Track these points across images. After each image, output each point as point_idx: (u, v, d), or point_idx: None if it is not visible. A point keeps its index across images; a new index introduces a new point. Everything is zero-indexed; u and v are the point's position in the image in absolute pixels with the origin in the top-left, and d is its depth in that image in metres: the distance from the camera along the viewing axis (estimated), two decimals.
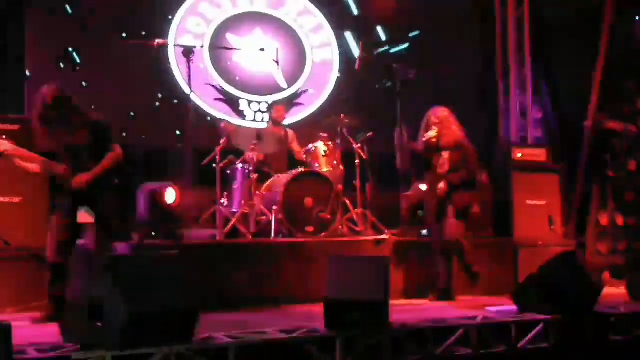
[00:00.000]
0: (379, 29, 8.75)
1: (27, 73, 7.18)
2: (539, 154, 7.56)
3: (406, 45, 8.48)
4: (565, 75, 8.66)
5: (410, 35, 8.74)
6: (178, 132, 7.63)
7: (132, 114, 7.60)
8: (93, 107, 7.05)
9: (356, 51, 8.48)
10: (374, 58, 7.84)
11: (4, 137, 4.96)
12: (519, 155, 7.45)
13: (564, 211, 7.56)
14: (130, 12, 7.68)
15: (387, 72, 7.76)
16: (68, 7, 7.45)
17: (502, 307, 5.19)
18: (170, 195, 6.01)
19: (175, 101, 7.67)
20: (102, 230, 4.79)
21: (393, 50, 8.60)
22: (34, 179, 5.37)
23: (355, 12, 8.82)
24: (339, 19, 8.75)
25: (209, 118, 7.99)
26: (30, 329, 4.46)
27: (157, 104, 7.76)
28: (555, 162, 7.78)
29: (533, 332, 4.73)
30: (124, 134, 7.12)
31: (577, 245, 7.24)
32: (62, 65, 7.36)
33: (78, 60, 7.41)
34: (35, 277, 5.43)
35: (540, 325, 4.77)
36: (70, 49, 7.38)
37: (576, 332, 4.83)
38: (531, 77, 8.92)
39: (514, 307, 5.10)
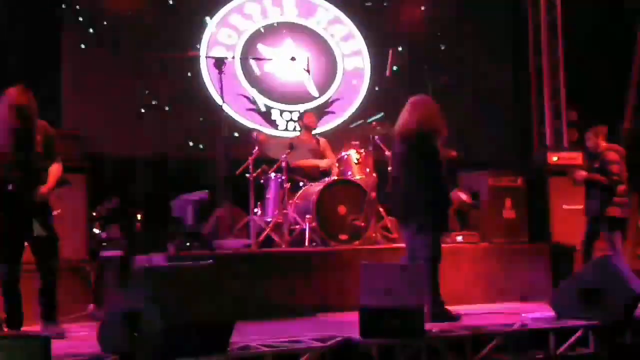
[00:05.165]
0: None
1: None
2: (575, 158, 7.44)
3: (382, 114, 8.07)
4: (601, 77, 8.54)
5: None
6: (210, 143, 7.71)
7: (163, 124, 7.69)
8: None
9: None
10: (404, 64, 7.80)
11: None
12: (555, 159, 7.35)
13: None
14: (163, 25, 7.79)
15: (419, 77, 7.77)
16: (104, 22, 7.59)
17: (539, 314, 5.11)
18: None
19: (207, 112, 7.73)
20: (49, 243, 4.68)
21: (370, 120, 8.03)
22: (71, 191, 5.45)
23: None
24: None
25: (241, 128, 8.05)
26: (69, 340, 4.52)
27: (188, 114, 7.84)
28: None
29: (572, 339, 4.66)
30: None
31: None
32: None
33: None
34: (75, 289, 5.53)
35: (580, 332, 4.69)
36: None
37: (616, 338, 4.74)
38: (565, 79, 8.80)
39: (551, 314, 5.03)
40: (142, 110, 7.51)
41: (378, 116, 7.86)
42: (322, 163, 7.08)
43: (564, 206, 7.09)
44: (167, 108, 7.67)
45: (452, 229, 6.72)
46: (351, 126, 8.33)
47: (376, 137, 7.02)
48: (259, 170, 6.78)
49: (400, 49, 7.78)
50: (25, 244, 4.70)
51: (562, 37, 8.80)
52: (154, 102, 7.59)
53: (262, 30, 8.35)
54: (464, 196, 6.85)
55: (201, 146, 7.82)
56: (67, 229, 5.57)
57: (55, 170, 4.74)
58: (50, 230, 4.71)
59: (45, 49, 7.17)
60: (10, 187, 4.53)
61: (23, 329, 4.64)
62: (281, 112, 8.34)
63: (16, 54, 6.88)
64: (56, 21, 7.38)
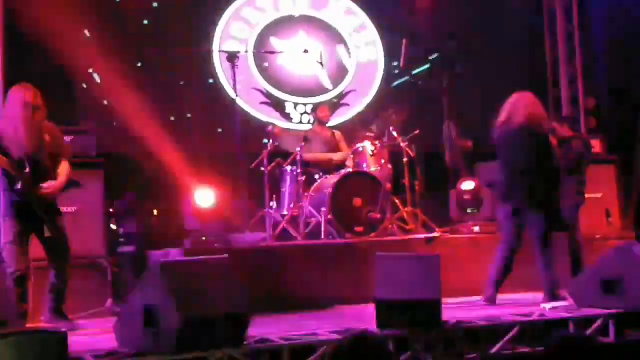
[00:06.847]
0: None
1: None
2: (593, 145, 7.34)
3: (427, 66, 8.07)
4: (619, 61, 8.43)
5: (430, 57, 8.13)
6: (225, 136, 7.71)
7: (176, 119, 7.71)
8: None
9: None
10: (415, 58, 7.74)
11: None
12: None
13: (621, 203, 7.35)
14: (175, 19, 7.79)
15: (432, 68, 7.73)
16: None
17: (558, 303, 5.07)
18: (202, 197, 6.06)
19: (221, 106, 7.73)
20: (58, 243, 4.74)
21: (414, 72, 8.15)
22: (87, 187, 5.45)
23: None
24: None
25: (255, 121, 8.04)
26: (86, 336, 4.54)
27: (203, 109, 7.84)
28: (610, 153, 7.57)
29: (592, 328, 4.61)
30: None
31: (636, 237, 7.02)
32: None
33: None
34: (93, 284, 5.56)
35: (599, 321, 4.64)
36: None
37: (637, 326, 4.69)
38: (581, 66, 8.70)
39: (571, 302, 4.98)
40: None
41: (424, 67, 7.80)
42: (337, 155, 7.06)
43: None
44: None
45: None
46: (394, 84, 8.30)
47: (391, 127, 6.99)
48: (273, 163, 6.77)
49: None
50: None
51: (578, 23, 8.69)
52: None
53: (275, 23, 8.32)
54: (471, 184, 6.87)
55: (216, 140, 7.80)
56: (84, 224, 5.62)
57: (63, 170, 4.75)
58: (58, 230, 4.73)
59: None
60: (19, 185, 4.55)
61: (34, 324, 4.69)
62: (295, 104, 8.31)
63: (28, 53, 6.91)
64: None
